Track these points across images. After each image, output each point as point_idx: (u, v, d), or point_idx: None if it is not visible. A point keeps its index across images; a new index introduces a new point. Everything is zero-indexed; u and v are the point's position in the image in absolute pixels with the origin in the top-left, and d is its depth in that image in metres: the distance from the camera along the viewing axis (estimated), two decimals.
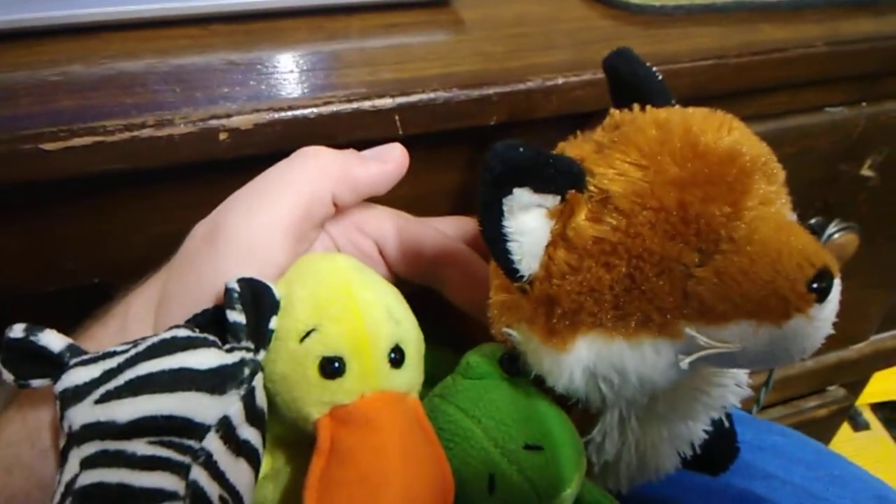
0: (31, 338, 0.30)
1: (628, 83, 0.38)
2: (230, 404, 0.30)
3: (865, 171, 0.66)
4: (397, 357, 0.34)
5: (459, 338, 0.47)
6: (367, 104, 0.43)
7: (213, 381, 0.30)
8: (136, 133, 0.39)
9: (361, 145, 0.45)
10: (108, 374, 0.29)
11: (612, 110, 0.37)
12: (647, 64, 0.38)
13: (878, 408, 1.41)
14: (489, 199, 0.31)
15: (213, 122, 0.40)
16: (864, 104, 0.62)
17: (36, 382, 0.30)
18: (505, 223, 0.31)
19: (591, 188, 0.32)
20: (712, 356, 0.31)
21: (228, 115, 0.41)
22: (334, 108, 0.43)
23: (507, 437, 0.34)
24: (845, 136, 0.63)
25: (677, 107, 0.36)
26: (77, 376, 0.30)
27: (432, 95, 0.45)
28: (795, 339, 0.30)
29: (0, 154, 0.37)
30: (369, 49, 0.49)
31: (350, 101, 0.43)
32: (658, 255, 0.30)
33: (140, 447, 0.28)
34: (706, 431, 0.40)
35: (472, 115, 0.46)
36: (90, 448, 0.28)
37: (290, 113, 0.42)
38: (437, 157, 0.52)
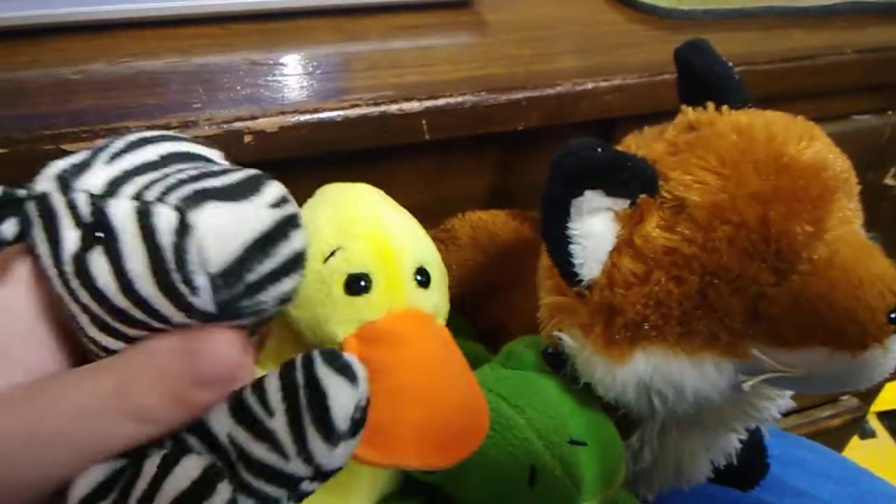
0: None
1: (703, 79, 0.36)
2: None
3: (889, 181, 0.65)
4: (423, 279, 0.33)
5: (490, 335, 0.46)
6: (394, 108, 0.42)
7: (201, 142, 0.29)
8: None
9: (386, 150, 0.44)
10: (99, 149, 0.27)
11: (684, 107, 0.35)
12: (724, 59, 0.36)
13: (883, 416, 1.40)
14: (557, 198, 0.30)
15: (238, 125, 0.39)
16: (890, 113, 0.61)
17: (3, 229, 0.25)
18: (570, 224, 0.30)
19: (665, 193, 0.30)
20: (775, 379, 0.30)
21: (253, 117, 0.39)
22: (361, 112, 0.41)
23: (552, 430, 0.33)
24: (871, 145, 0.62)
25: (754, 109, 0.34)
26: (62, 163, 0.26)
27: (460, 99, 0.43)
28: (867, 369, 0.28)
29: (19, 154, 0.36)
30: (394, 51, 0.48)
31: (377, 104, 0.42)
32: (734, 273, 0.29)
33: (183, 166, 0.26)
34: (740, 441, 0.39)
35: (501, 120, 0.45)
36: (133, 186, 0.25)
37: (315, 116, 0.41)
38: (462, 161, 0.50)
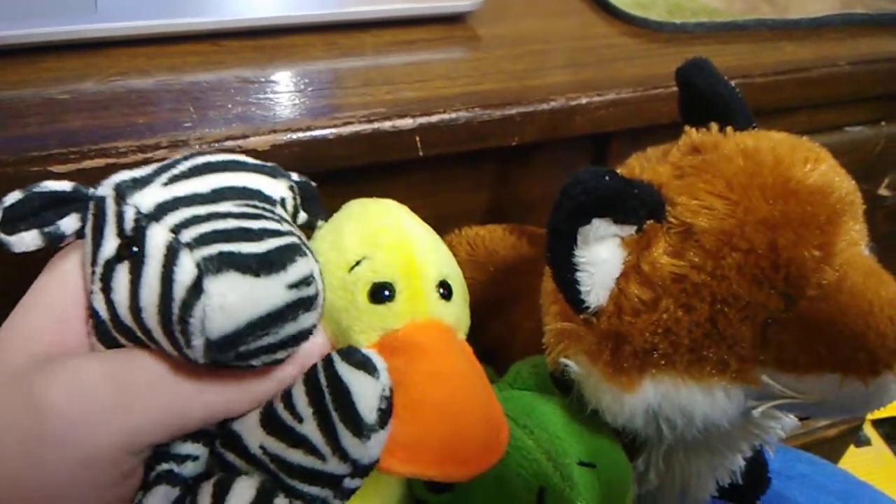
0: (35, 191, 0.27)
1: (706, 99, 0.35)
2: (285, 187, 0.31)
3: (883, 191, 0.65)
4: (446, 292, 0.33)
5: (491, 354, 0.46)
6: (387, 124, 0.42)
7: (266, 168, 0.30)
8: (149, 155, 0.37)
9: (380, 167, 0.44)
10: (163, 168, 0.28)
11: (688, 129, 0.34)
12: (727, 78, 0.36)
13: (878, 424, 1.40)
14: (564, 227, 0.29)
15: (229, 143, 0.39)
16: (883, 123, 0.61)
17: (67, 222, 0.27)
18: (576, 252, 0.30)
19: (671, 219, 0.30)
20: (786, 405, 0.29)
21: (245, 136, 0.39)
22: (354, 129, 0.41)
23: (561, 451, 0.33)
24: (864, 156, 0.62)
25: (758, 131, 0.34)
26: (126, 175, 0.28)
27: (454, 115, 0.43)
28: (879, 395, 0.28)
29: (6, 176, 0.35)
30: (387, 66, 0.47)
31: (370, 121, 0.41)
32: (744, 301, 0.29)
33: (231, 207, 0.27)
34: (744, 458, 0.39)
35: (495, 136, 0.44)
36: (177, 217, 0.26)
37: (308, 133, 0.40)
38: (456, 177, 0.50)
